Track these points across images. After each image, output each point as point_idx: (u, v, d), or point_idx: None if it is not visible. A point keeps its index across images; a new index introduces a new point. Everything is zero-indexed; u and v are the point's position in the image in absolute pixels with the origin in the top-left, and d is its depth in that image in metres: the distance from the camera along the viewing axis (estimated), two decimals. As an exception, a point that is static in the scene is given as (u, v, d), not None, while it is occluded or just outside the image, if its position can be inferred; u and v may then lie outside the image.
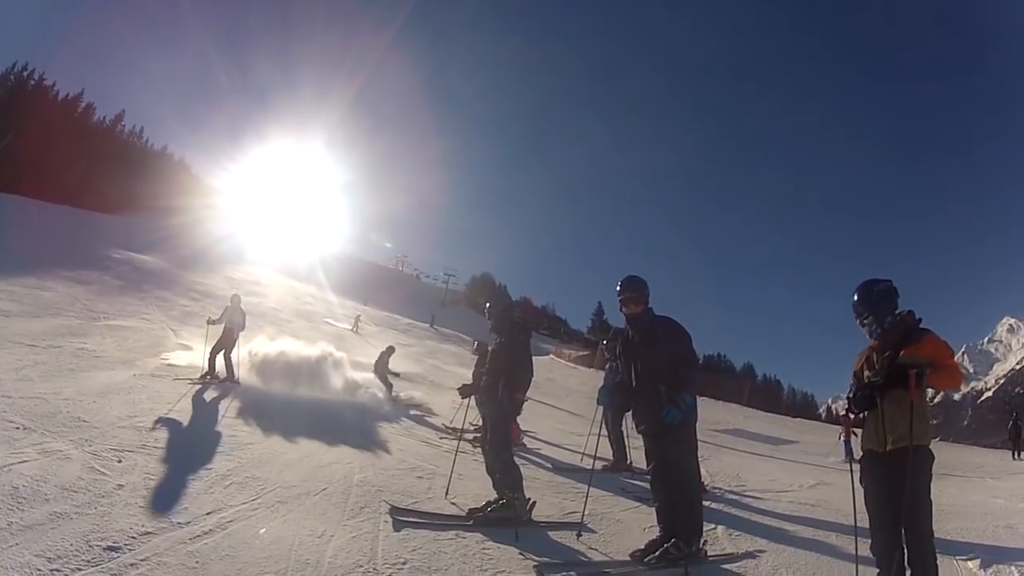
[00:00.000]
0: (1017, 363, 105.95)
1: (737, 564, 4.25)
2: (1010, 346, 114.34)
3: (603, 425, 7.81)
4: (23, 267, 16.23)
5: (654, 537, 4.14)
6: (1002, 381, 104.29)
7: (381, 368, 12.86)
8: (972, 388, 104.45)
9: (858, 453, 3.44)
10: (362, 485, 5.15)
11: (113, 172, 43.84)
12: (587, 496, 4.83)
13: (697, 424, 4.17)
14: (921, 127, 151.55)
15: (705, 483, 6.75)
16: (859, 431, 3.43)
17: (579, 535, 4.48)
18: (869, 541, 3.25)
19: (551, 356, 44.09)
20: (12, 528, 3.25)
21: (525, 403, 5.03)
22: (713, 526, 5.05)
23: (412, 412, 10.62)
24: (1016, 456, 19.31)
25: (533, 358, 4.98)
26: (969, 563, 4.51)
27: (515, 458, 4.99)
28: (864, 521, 3.28)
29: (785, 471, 10.99)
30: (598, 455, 5.65)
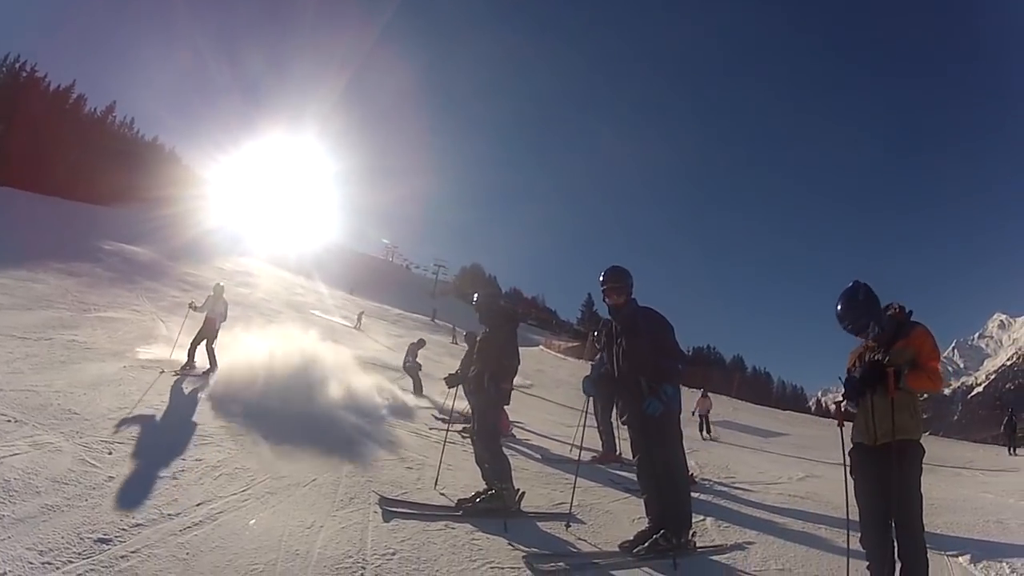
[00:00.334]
0: (1008, 359, 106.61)
1: (726, 556, 4.27)
2: (1001, 342, 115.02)
3: (594, 416, 7.89)
4: (15, 260, 16.18)
5: (643, 528, 4.15)
6: (993, 377, 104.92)
7: (411, 362, 12.77)
8: (962, 383, 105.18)
9: (848, 446, 3.46)
10: (351, 476, 5.16)
11: (104, 163, 43.51)
12: (574, 487, 4.85)
13: (682, 415, 4.18)
14: (913, 122, 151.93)
15: (694, 475, 6.81)
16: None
17: (568, 526, 4.51)
18: (859, 535, 3.27)
19: (541, 347, 44.16)
20: (4, 521, 3.25)
21: (512, 393, 5.02)
22: (702, 517, 5.10)
23: (406, 404, 10.59)
24: (1012, 452, 19.47)
25: (522, 349, 4.99)
26: (959, 559, 4.53)
27: (504, 449, 5.01)
28: (855, 515, 3.29)
29: (774, 463, 11.11)
30: (588, 446, 5.67)
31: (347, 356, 11.80)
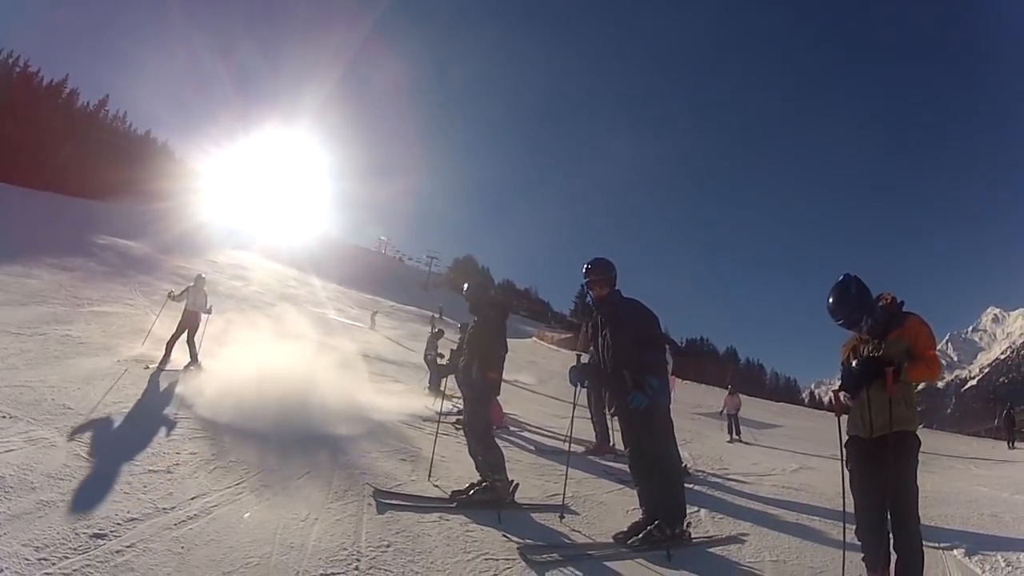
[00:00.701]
0: (1001, 353, 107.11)
1: (720, 547, 4.30)
2: (995, 336, 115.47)
3: (587, 407, 7.91)
4: (8, 255, 16.06)
5: (637, 519, 4.18)
6: (987, 370, 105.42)
7: (432, 354, 12.53)
8: (956, 376, 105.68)
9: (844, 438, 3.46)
10: (345, 468, 5.17)
11: (97, 158, 43.20)
12: (566, 478, 4.84)
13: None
14: (909, 115, 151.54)
15: (688, 466, 6.84)
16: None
17: (562, 517, 4.54)
18: (855, 527, 3.27)
19: (534, 339, 44.22)
20: (0, 518, 3.25)
21: (503, 383, 5.01)
22: (696, 509, 5.11)
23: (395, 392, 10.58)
24: (1011, 445, 19.54)
25: (515, 340, 4.98)
26: (954, 552, 4.55)
27: (497, 440, 5.02)
28: (851, 507, 3.29)
29: (768, 455, 11.17)
30: (582, 438, 5.66)
31: (342, 349, 11.79)
